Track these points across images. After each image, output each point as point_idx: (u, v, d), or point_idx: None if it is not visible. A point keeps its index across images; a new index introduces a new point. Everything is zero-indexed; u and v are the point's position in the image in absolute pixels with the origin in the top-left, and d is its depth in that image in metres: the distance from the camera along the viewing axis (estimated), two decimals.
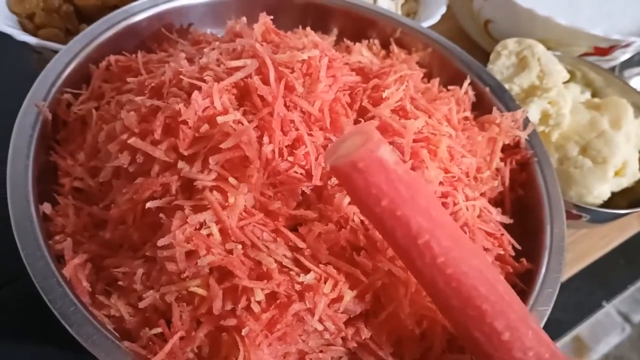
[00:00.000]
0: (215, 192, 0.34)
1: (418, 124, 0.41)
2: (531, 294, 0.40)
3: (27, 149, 0.39)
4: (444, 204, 0.41)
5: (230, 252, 0.33)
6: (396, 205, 0.29)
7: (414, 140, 0.41)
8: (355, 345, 0.36)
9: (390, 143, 0.40)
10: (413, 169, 0.40)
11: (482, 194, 0.46)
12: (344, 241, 0.36)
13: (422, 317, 0.36)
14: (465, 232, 0.41)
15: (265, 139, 0.36)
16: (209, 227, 0.33)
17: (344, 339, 0.35)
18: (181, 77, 0.38)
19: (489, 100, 0.53)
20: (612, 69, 0.76)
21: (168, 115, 0.36)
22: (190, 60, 0.42)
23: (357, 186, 0.30)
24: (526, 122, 0.51)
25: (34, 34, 0.56)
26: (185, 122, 0.35)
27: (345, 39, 0.58)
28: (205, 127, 0.35)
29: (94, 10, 0.59)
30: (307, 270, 0.34)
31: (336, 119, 0.40)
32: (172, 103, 0.36)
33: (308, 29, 0.49)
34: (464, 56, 0.56)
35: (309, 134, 0.37)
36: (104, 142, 0.39)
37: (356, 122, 0.43)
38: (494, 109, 0.51)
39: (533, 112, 0.57)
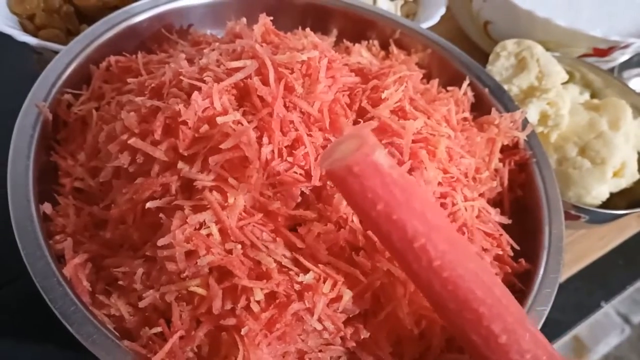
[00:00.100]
0: (214, 192, 0.34)
1: (417, 124, 0.41)
2: (530, 294, 0.40)
3: (27, 149, 0.39)
4: (442, 205, 0.41)
5: (229, 252, 0.33)
6: (392, 209, 0.30)
7: (413, 141, 0.41)
8: (354, 344, 0.36)
9: (389, 144, 0.41)
10: (412, 169, 0.40)
11: (481, 195, 0.46)
12: (343, 241, 0.36)
13: (420, 316, 0.36)
14: (464, 233, 0.41)
15: (265, 140, 0.36)
16: (209, 227, 0.33)
17: (343, 338, 0.35)
18: (181, 77, 0.38)
19: (488, 101, 0.53)
20: (611, 70, 0.76)
21: (168, 115, 0.36)
22: (190, 61, 0.42)
23: (352, 190, 0.30)
24: (525, 122, 0.51)
25: (35, 35, 0.56)
26: (185, 123, 0.35)
27: (344, 40, 0.58)
28: (205, 128, 0.35)
29: (94, 11, 0.59)
30: (306, 270, 0.34)
31: (335, 119, 0.40)
32: (172, 104, 0.36)
33: (308, 29, 0.49)
34: (463, 57, 0.56)
35: (308, 135, 0.38)
36: (104, 143, 0.39)
37: (355, 122, 0.43)
38: (493, 109, 0.51)
39: (532, 113, 0.58)
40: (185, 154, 0.36)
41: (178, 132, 0.35)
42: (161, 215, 0.35)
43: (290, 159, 0.36)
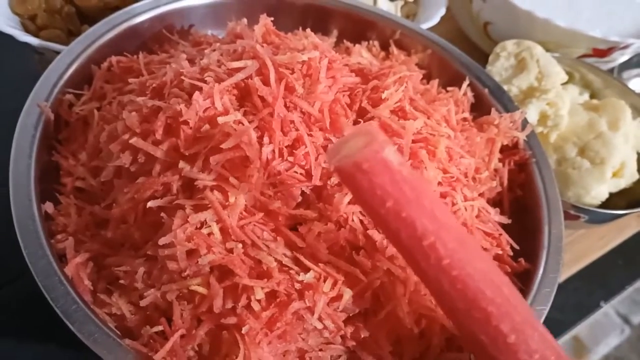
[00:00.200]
0: (215, 192, 0.34)
1: (417, 124, 0.42)
2: (529, 294, 0.40)
3: (29, 149, 0.39)
4: None
5: (230, 251, 0.33)
6: (401, 207, 0.29)
7: (413, 141, 0.41)
8: (355, 343, 0.36)
9: None
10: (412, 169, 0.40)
11: (481, 195, 0.46)
12: (343, 240, 0.36)
13: (420, 316, 0.36)
14: None
15: (266, 139, 0.36)
16: (210, 226, 0.33)
17: (343, 337, 0.35)
18: (182, 77, 0.38)
19: (487, 102, 0.53)
20: (611, 70, 0.76)
21: (169, 115, 0.36)
22: (191, 61, 0.42)
23: (361, 187, 0.29)
24: (524, 123, 0.51)
25: (36, 35, 0.56)
26: (186, 123, 0.35)
27: (345, 41, 0.58)
28: (206, 128, 0.36)
29: (95, 12, 0.60)
30: (306, 269, 0.34)
31: (336, 119, 0.40)
32: (173, 103, 0.36)
33: (308, 30, 0.50)
34: (463, 58, 0.56)
35: (308, 135, 0.38)
36: (105, 142, 0.39)
37: (355, 122, 0.43)
38: (493, 110, 0.52)
39: (531, 113, 0.58)
40: (187, 154, 0.36)
41: (179, 132, 0.35)
42: (162, 214, 0.35)
43: (290, 158, 0.36)
